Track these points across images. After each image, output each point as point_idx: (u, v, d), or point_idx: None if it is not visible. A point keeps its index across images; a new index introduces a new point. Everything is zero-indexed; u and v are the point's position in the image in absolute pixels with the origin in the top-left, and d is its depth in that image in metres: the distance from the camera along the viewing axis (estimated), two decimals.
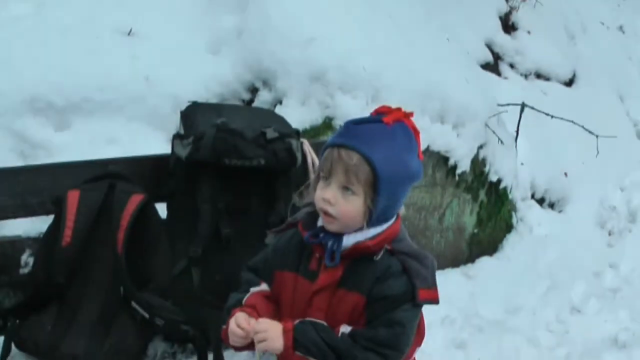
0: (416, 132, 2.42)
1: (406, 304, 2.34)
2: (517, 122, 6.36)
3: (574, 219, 6.65)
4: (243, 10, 5.04)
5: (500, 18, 7.68)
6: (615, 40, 9.21)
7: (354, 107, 4.84)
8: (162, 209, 3.51)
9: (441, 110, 5.28)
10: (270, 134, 3.41)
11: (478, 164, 5.69)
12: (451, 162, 5.42)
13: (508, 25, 7.75)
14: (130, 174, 3.43)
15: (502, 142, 5.95)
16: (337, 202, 2.33)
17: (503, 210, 6.06)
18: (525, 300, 5.41)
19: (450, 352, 4.61)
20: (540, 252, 6.02)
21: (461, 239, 5.79)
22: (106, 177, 3.35)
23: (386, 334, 2.32)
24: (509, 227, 6.17)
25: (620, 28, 9.60)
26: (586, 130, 6.52)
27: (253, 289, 2.53)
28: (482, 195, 5.84)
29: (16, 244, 3.46)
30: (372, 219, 2.34)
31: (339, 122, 4.83)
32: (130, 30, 4.73)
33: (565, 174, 6.88)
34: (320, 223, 2.41)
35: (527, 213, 6.35)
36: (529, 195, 6.52)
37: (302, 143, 3.69)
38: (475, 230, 5.87)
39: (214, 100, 4.62)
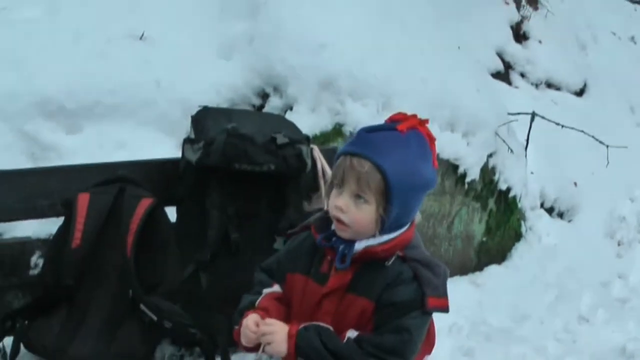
0: (431, 140, 2.42)
1: (415, 312, 2.34)
2: (527, 131, 6.36)
3: (583, 228, 6.64)
4: (254, 16, 5.05)
5: (512, 27, 7.69)
6: (627, 50, 9.21)
7: (364, 115, 4.85)
8: (171, 213, 3.51)
9: (451, 118, 5.29)
10: (281, 139, 3.41)
11: (487, 172, 5.69)
12: (460, 170, 5.42)
13: (519, 35, 7.75)
14: (140, 177, 3.44)
15: (512, 151, 5.95)
16: (350, 210, 2.33)
17: (512, 219, 6.06)
18: (533, 309, 5.40)
19: None
20: (548, 262, 6.02)
21: (470, 247, 5.79)
22: (116, 180, 3.36)
23: (393, 340, 2.32)
24: (517, 236, 6.16)
25: (632, 38, 9.60)
26: (596, 140, 6.52)
27: (265, 290, 2.54)
28: (491, 203, 5.84)
29: (26, 246, 3.47)
30: (384, 227, 2.34)
31: (349, 129, 4.84)
32: (142, 35, 4.74)
33: (575, 184, 6.87)
34: (334, 227, 2.41)
35: (536, 222, 6.34)
36: (538, 204, 6.51)
37: (312, 149, 3.70)
38: (484, 239, 5.87)
39: (224, 106, 4.63)
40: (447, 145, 5.20)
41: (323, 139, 4.76)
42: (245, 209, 3.46)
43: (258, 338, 2.38)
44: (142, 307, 3.10)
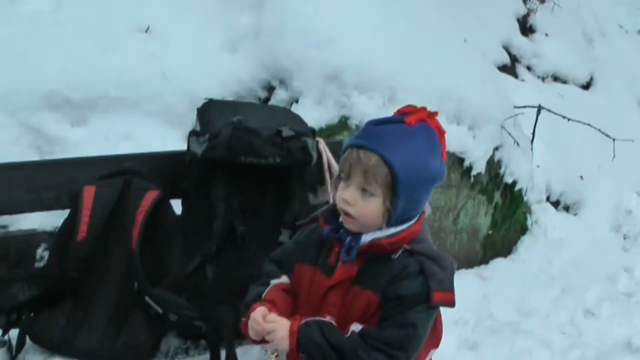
0: (440, 133, 2.41)
1: (420, 306, 2.33)
2: (533, 124, 6.35)
3: (589, 222, 6.64)
4: (260, 9, 5.05)
5: (518, 20, 7.67)
6: (634, 43, 9.19)
7: (370, 107, 4.85)
8: (177, 205, 3.51)
9: (457, 111, 5.29)
10: (286, 132, 3.40)
11: (493, 165, 5.69)
12: (466, 163, 5.42)
13: (526, 28, 7.74)
14: (146, 170, 3.43)
15: (518, 144, 5.94)
16: (357, 203, 2.33)
17: (518, 213, 6.05)
18: (538, 302, 5.41)
19: (463, 353, 4.61)
20: (554, 255, 6.02)
21: (475, 240, 5.79)
22: (122, 173, 3.35)
23: (397, 335, 2.31)
24: (523, 230, 6.16)
25: (639, 32, 9.56)
26: (603, 133, 6.51)
27: (273, 282, 2.55)
28: (497, 197, 5.83)
29: (31, 238, 3.47)
30: (391, 220, 2.34)
31: (354, 122, 4.84)
32: (148, 28, 4.75)
33: (581, 177, 6.86)
34: (341, 219, 2.41)
35: (542, 216, 6.34)
36: (544, 197, 6.50)
37: (317, 142, 3.69)
38: (490, 232, 5.87)
39: (230, 98, 4.63)
40: (453, 138, 5.20)
41: (329, 131, 4.77)
42: (251, 202, 3.45)
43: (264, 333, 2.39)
44: (148, 299, 3.10)
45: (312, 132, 3.60)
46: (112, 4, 4.77)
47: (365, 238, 2.36)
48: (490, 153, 5.63)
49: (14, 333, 3.06)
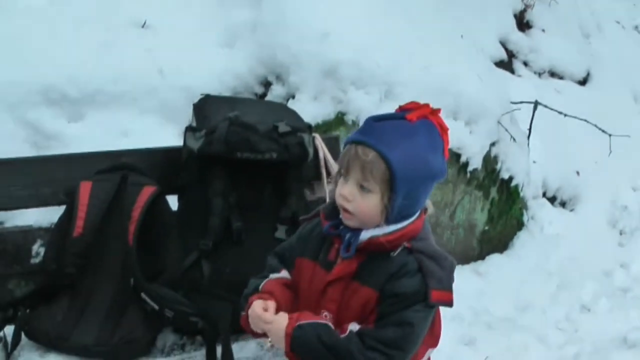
0: (443, 130, 2.41)
1: (418, 304, 2.33)
2: (530, 120, 6.36)
3: (585, 218, 6.65)
4: (257, 4, 5.05)
5: (515, 16, 7.67)
6: (631, 39, 9.19)
7: (366, 103, 4.85)
8: (173, 201, 3.51)
9: (454, 106, 5.29)
10: (283, 127, 3.40)
11: (490, 161, 5.69)
12: (463, 159, 5.42)
13: (523, 23, 7.74)
14: (143, 165, 3.42)
15: (514, 139, 5.95)
16: (355, 199, 2.34)
17: (514, 208, 6.06)
18: (535, 298, 5.42)
19: (459, 349, 4.61)
20: (550, 251, 6.02)
21: (472, 236, 5.79)
22: (118, 168, 3.35)
23: (394, 334, 2.32)
24: (519, 225, 6.17)
25: (636, 28, 9.57)
26: (599, 129, 6.52)
27: (272, 275, 2.56)
28: (493, 192, 5.84)
29: (28, 234, 3.46)
30: (390, 217, 2.34)
31: (351, 118, 4.84)
32: (145, 23, 4.74)
33: (578, 173, 6.86)
34: (341, 215, 2.42)
35: (538, 211, 6.35)
36: (541, 193, 6.51)
37: (314, 137, 3.69)
38: (486, 228, 5.87)
39: (227, 94, 4.63)
40: (449, 133, 5.19)
41: (325, 127, 4.77)
42: (248, 198, 3.45)
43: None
44: (144, 295, 3.10)
45: (309, 128, 3.60)
46: None
47: (364, 235, 2.36)
48: (487, 148, 5.63)
49: (9, 329, 3.06)
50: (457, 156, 5.37)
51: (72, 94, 4.27)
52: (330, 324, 2.37)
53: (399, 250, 2.37)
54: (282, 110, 3.90)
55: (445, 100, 5.16)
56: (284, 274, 2.59)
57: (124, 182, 3.29)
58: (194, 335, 3.21)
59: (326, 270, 2.43)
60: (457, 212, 5.62)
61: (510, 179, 5.93)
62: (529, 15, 7.80)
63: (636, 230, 6.77)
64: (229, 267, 3.31)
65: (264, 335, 2.46)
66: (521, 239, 6.10)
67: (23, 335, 3.04)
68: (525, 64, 7.55)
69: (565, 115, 6.41)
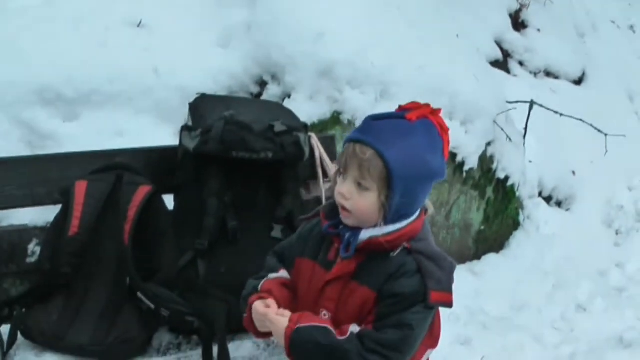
0: (443, 130, 2.40)
1: (417, 306, 2.33)
2: (525, 119, 6.36)
3: (581, 217, 6.65)
4: (253, 4, 5.04)
5: (510, 15, 7.67)
6: (626, 39, 9.20)
7: (362, 103, 4.86)
8: (169, 200, 3.51)
9: (450, 106, 5.29)
10: (278, 127, 3.40)
11: (486, 161, 5.69)
12: (459, 158, 5.42)
13: (518, 23, 7.74)
14: (138, 165, 3.42)
15: (510, 139, 5.95)
16: (353, 197, 2.34)
17: (510, 208, 6.06)
18: (531, 298, 5.42)
19: (455, 349, 4.61)
20: (546, 250, 6.03)
21: (468, 235, 5.80)
22: (114, 168, 3.34)
23: (394, 337, 2.31)
24: (515, 225, 6.17)
25: (631, 27, 9.58)
26: (595, 129, 6.52)
27: (271, 275, 2.56)
28: (489, 192, 5.84)
29: (23, 234, 3.46)
30: (388, 216, 2.34)
31: (347, 117, 4.85)
32: (140, 22, 4.73)
33: (573, 173, 6.87)
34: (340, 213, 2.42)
35: (534, 211, 6.35)
36: (537, 193, 6.52)
37: (310, 137, 3.69)
38: (482, 227, 5.87)
39: (222, 93, 4.62)
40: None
41: (321, 127, 4.76)
42: (243, 197, 3.45)
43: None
44: (140, 295, 3.10)
45: (305, 127, 3.60)
46: None
47: (364, 235, 2.36)
48: (483, 148, 5.64)
49: (5, 329, 3.05)
50: (453, 156, 5.37)
51: (67, 94, 4.27)
52: (329, 326, 2.36)
53: (398, 250, 2.37)
54: (278, 109, 3.90)
55: (441, 100, 5.16)
56: (282, 273, 2.59)
57: (120, 182, 3.29)
58: (190, 334, 3.21)
59: (326, 270, 2.43)
60: (453, 211, 5.62)
61: (506, 178, 5.93)
62: (524, 15, 7.81)
63: (632, 230, 6.78)
64: (225, 266, 3.31)
65: (269, 334, 2.47)
66: (517, 239, 6.11)
67: (19, 335, 3.04)
68: (521, 63, 7.55)
69: (561, 115, 6.41)
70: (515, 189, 6.07)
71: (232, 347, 3.09)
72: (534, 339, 4.89)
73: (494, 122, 5.75)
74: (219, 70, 4.73)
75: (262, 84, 4.90)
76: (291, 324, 2.35)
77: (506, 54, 7.42)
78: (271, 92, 4.85)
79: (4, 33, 4.35)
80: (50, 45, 4.37)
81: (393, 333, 2.30)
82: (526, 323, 5.10)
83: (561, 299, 5.51)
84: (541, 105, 6.40)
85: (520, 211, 6.22)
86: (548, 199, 6.62)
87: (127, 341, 3.07)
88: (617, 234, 6.76)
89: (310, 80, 4.82)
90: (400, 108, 2.41)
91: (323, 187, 3.73)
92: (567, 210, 6.73)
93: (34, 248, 3.44)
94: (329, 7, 5.08)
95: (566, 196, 6.74)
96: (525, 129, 6.40)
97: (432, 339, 2.50)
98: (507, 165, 5.89)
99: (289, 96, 4.82)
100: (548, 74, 7.75)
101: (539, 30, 7.86)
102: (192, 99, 3.76)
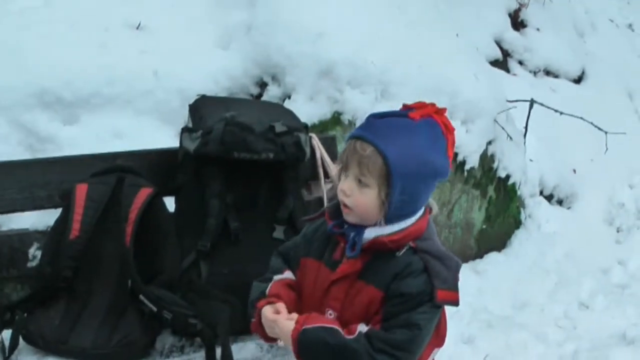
0: (448, 130, 2.40)
1: (424, 306, 2.33)
2: (526, 118, 6.36)
3: (582, 215, 6.65)
4: (252, 5, 5.03)
5: (510, 15, 7.68)
6: (625, 37, 9.20)
7: (362, 102, 4.85)
8: (170, 202, 3.50)
9: (450, 106, 5.26)
10: (279, 127, 3.39)
11: (487, 160, 5.69)
12: (460, 157, 5.41)
13: (517, 22, 7.75)
14: (139, 167, 3.42)
15: (511, 138, 5.94)
16: (353, 193, 2.34)
17: (511, 207, 6.06)
18: (533, 296, 5.42)
19: (458, 347, 4.61)
20: (548, 249, 6.02)
21: (469, 234, 5.79)
22: (114, 170, 3.34)
23: (402, 337, 2.31)
24: (517, 224, 6.17)
25: (630, 26, 9.59)
26: (595, 126, 6.52)
27: (276, 277, 2.56)
28: (490, 191, 5.84)
29: (24, 237, 3.45)
30: (389, 214, 2.33)
31: (347, 117, 4.84)
32: (139, 24, 4.72)
33: (574, 171, 6.87)
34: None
35: (536, 209, 6.35)
36: (538, 191, 6.51)
37: (310, 137, 3.68)
38: (484, 226, 5.87)
39: (222, 95, 4.62)
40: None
41: (322, 127, 4.76)
42: (244, 198, 3.44)
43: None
44: (142, 297, 3.09)
45: (305, 128, 3.59)
46: (103, 0, 4.75)
47: (369, 234, 2.36)
48: (484, 147, 5.63)
49: (7, 333, 3.05)
50: (454, 155, 5.36)
51: (66, 97, 4.25)
52: (337, 326, 2.36)
53: (404, 250, 2.36)
54: (278, 110, 3.89)
55: (441, 99, 5.14)
56: (287, 274, 2.59)
57: (120, 184, 3.29)
58: (193, 337, 3.20)
59: (331, 270, 2.44)
60: (455, 211, 5.62)
61: (507, 177, 5.93)
62: (523, 14, 7.81)
63: (633, 228, 6.78)
64: (227, 268, 3.30)
65: (279, 338, 2.47)
66: (519, 237, 6.11)
67: (20, 339, 3.03)
68: (520, 62, 7.56)
69: (561, 113, 6.41)
70: (517, 187, 6.07)
71: (235, 348, 3.08)
72: (537, 337, 4.88)
73: (495, 121, 5.75)
74: (218, 72, 4.72)
75: (262, 85, 4.89)
76: (297, 325, 2.35)
77: (506, 53, 7.43)
78: (271, 93, 4.84)
79: (3, 35, 4.34)
80: (50, 47, 4.36)
81: (401, 333, 2.30)
82: (529, 321, 5.09)
83: (563, 297, 5.51)
84: (541, 104, 6.40)
85: (521, 210, 6.22)
86: (549, 198, 6.62)
87: (130, 344, 3.06)
88: (618, 231, 6.76)
89: (310, 81, 4.81)
90: (405, 107, 2.40)
91: (324, 188, 3.73)
92: (568, 208, 6.73)
93: (34, 252, 3.43)
94: (328, 7, 5.08)
95: (567, 194, 6.73)
96: (526, 127, 6.40)
97: (439, 338, 2.50)
98: (508, 164, 5.89)
99: (289, 97, 4.81)
100: (548, 72, 7.76)
101: (538, 29, 7.86)
102: (192, 101, 3.75)
